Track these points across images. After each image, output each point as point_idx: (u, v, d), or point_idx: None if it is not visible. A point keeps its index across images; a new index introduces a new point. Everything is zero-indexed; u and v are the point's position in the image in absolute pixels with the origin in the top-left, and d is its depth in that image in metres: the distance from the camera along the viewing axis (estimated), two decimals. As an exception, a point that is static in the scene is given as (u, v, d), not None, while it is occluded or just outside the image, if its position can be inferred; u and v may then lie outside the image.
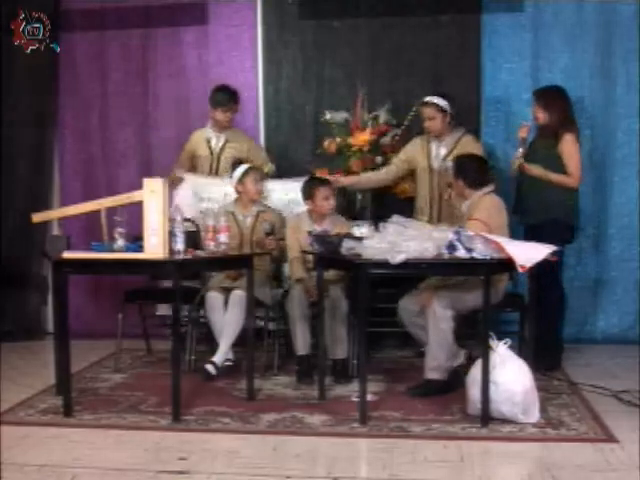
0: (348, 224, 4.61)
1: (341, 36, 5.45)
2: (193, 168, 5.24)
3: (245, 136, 5.29)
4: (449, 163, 4.55)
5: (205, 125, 5.24)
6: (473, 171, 4.31)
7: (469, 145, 4.69)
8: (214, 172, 5.18)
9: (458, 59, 5.30)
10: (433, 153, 4.76)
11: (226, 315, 4.41)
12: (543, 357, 4.32)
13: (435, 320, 3.90)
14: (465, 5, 5.30)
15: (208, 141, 5.20)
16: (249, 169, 4.72)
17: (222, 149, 5.18)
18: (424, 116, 4.74)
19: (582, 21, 5.23)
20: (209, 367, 4.37)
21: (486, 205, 4.18)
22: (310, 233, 4.54)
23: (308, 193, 4.60)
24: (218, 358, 4.41)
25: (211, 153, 5.20)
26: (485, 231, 3.87)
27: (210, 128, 5.21)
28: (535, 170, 4.50)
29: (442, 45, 5.33)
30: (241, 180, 4.70)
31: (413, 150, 4.84)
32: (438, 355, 3.92)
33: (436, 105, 4.67)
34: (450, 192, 4.50)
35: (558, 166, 4.52)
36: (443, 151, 4.75)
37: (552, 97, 4.58)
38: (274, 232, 4.64)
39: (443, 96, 4.71)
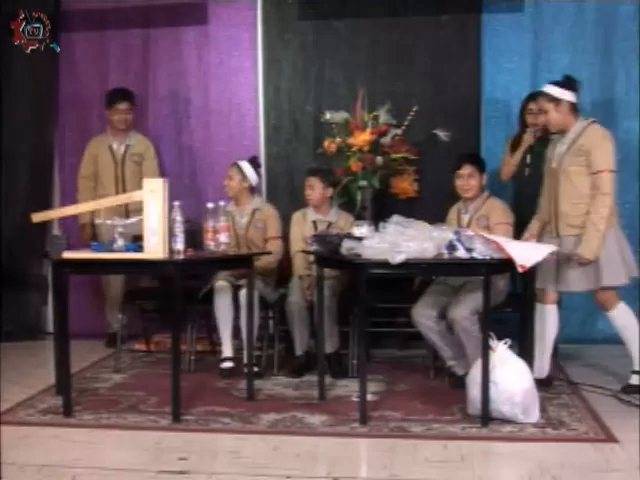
0: (351, 220, 4.66)
1: (341, 36, 5.44)
2: (96, 175, 5.30)
3: (147, 143, 5.36)
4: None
5: (105, 130, 5.36)
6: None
7: (595, 135, 4.01)
8: (120, 181, 5.23)
9: (458, 59, 5.30)
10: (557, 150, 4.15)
11: (241, 314, 4.44)
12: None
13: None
14: (465, 5, 5.30)
15: (110, 148, 5.26)
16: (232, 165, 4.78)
17: (124, 156, 5.27)
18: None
19: (582, 21, 5.22)
20: (227, 364, 4.49)
21: (503, 206, 4.32)
22: (314, 222, 4.61)
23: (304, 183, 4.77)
24: (230, 352, 4.51)
25: (114, 161, 5.25)
26: (512, 233, 4.11)
27: (109, 133, 5.30)
28: None
29: (442, 45, 5.31)
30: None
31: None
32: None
33: (546, 95, 4.06)
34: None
35: None
36: (564, 147, 4.08)
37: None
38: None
39: (561, 82, 4.07)
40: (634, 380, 4.03)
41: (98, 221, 4.41)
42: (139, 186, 4.75)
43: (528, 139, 4.67)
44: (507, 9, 5.25)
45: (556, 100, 3.98)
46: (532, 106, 4.64)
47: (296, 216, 4.80)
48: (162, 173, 5.30)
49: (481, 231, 3.98)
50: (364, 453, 3.37)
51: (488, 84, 5.28)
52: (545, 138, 4.57)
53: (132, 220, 4.09)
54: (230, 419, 3.68)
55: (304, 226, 4.72)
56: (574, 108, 4.03)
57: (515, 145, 4.76)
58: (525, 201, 4.51)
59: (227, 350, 4.52)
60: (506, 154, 4.80)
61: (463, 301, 3.99)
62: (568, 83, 4.03)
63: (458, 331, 3.98)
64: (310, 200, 4.70)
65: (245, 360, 4.40)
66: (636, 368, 4.04)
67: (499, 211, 4.29)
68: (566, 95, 3.99)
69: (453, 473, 3.00)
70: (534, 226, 4.20)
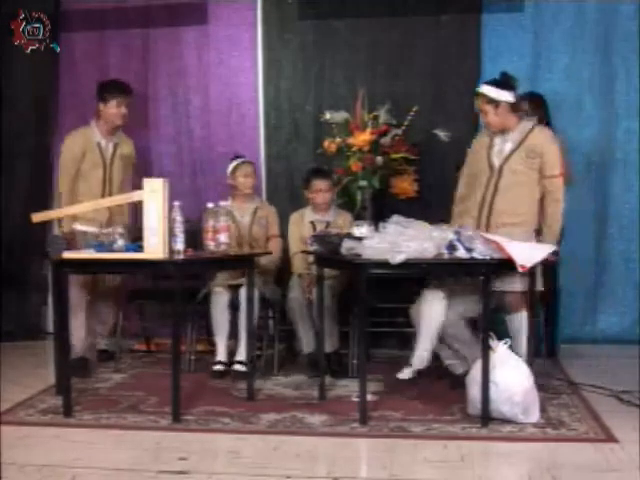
0: (350, 218, 4.67)
1: (341, 36, 5.45)
2: (78, 174, 4.70)
3: (132, 144, 4.96)
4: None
5: (90, 123, 4.79)
6: None
7: (544, 138, 3.98)
8: (108, 183, 4.72)
9: (458, 59, 5.30)
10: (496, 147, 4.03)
11: (240, 313, 4.44)
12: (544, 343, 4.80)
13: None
14: (465, 5, 5.30)
15: (98, 145, 4.73)
16: (240, 163, 4.76)
17: (113, 156, 4.77)
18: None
19: (582, 21, 5.23)
20: (238, 367, 4.43)
21: None
22: (312, 223, 4.62)
23: (305, 183, 4.77)
24: (243, 356, 4.45)
25: (103, 160, 4.72)
26: None
27: (97, 129, 4.76)
28: None
29: (442, 45, 5.32)
30: (232, 175, 4.76)
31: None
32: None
33: (484, 96, 3.98)
34: None
35: None
36: (509, 145, 3.99)
37: (541, 100, 4.78)
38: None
39: (499, 82, 3.98)
40: None
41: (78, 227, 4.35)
42: (123, 188, 4.71)
43: None
44: (507, 9, 5.26)
45: (495, 102, 3.92)
46: (523, 105, 4.69)
47: (294, 217, 4.81)
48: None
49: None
50: (364, 453, 3.37)
51: (488, 84, 5.28)
52: None
53: (92, 230, 4.05)
54: (230, 419, 3.68)
55: (302, 227, 4.73)
56: (514, 108, 3.97)
57: None
58: None
59: (221, 354, 4.52)
60: None
61: (449, 308, 3.98)
62: (506, 82, 3.96)
63: (446, 337, 4.00)
64: (319, 203, 4.70)
65: (236, 359, 4.45)
66: None
67: None
68: (505, 96, 3.91)
69: (453, 473, 3.00)
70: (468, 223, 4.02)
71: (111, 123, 4.74)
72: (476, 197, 4.03)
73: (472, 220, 3.98)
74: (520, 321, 3.95)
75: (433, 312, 3.94)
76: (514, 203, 3.92)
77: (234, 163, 4.77)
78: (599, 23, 5.21)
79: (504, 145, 3.98)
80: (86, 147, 4.71)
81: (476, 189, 4.04)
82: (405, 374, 3.95)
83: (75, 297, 4.38)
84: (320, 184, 4.70)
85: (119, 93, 4.73)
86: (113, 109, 4.70)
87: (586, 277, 5.32)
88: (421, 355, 3.93)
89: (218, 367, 4.50)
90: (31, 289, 5.76)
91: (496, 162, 3.98)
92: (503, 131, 3.98)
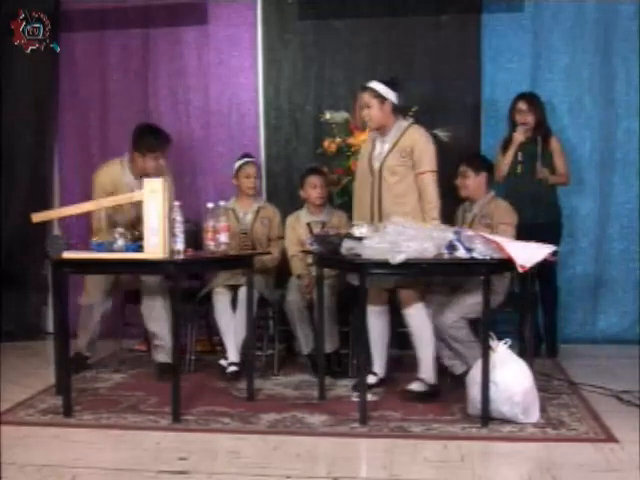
0: (345, 217, 4.67)
1: (341, 36, 5.45)
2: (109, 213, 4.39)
3: (171, 178, 4.55)
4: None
5: (122, 159, 4.53)
6: (491, 168, 4.44)
7: (417, 136, 4.01)
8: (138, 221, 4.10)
9: (458, 59, 5.30)
10: (377, 150, 4.09)
11: (237, 314, 4.44)
12: (544, 343, 4.91)
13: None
14: (465, 5, 5.30)
15: (128, 185, 4.43)
16: (243, 164, 4.75)
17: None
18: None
19: (582, 21, 5.23)
20: (232, 368, 4.41)
21: (508, 208, 4.31)
22: (308, 225, 4.62)
23: (301, 181, 4.78)
24: (235, 356, 4.45)
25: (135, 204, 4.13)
26: (513, 235, 4.07)
27: (129, 170, 4.49)
28: (543, 174, 4.75)
29: (442, 45, 5.32)
30: (236, 174, 4.74)
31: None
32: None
33: (373, 91, 4.05)
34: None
35: (546, 166, 4.78)
36: (387, 146, 4.05)
37: (538, 101, 4.82)
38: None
39: (388, 82, 4.07)
40: (415, 386, 3.98)
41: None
42: None
43: (518, 137, 4.75)
44: (507, 9, 5.26)
45: (382, 98, 4.00)
46: (521, 105, 4.80)
47: (290, 220, 4.80)
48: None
49: (483, 230, 3.99)
50: (364, 453, 3.37)
51: (488, 84, 5.29)
52: (534, 137, 4.77)
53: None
54: (230, 419, 3.68)
55: (299, 229, 4.73)
56: (396, 110, 4.05)
57: (506, 146, 4.81)
58: (518, 199, 4.51)
59: (232, 355, 4.47)
60: (498, 155, 4.85)
61: (449, 309, 3.99)
62: (394, 84, 4.06)
63: (445, 338, 4.02)
64: (314, 200, 4.69)
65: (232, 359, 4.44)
66: (420, 375, 3.98)
67: (502, 211, 4.29)
68: (391, 95, 4.01)
69: (453, 473, 3.00)
70: None
71: (144, 171, 4.39)
72: (366, 202, 4.07)
73: (367, 224, 3.92)
74: (417, 315, 3.95)
75: (378, 327, 4.18)
76: (398, 201, 3.96)
77: (238, 163, 4.78)
78: (599, 23, 5.21)
79: (383, 147, 4.05)
80: (115, 186, 4.44)
81: (365, 194, 4.08)
82: (371, 379, 4.09)
83: (97, 297, 4.52)
84: (315, 180, 4.70)
85: (158, 146, 4.46)
86: (151, 162, 4.43)
87: (586, 277, 5.32)
88: (382, 366, 4.25)
89: (232, 368, 4.41)
90: (31, 289, 5.76)
91: (376, 164, 4.04)
92: (383, 132, 4.05)
